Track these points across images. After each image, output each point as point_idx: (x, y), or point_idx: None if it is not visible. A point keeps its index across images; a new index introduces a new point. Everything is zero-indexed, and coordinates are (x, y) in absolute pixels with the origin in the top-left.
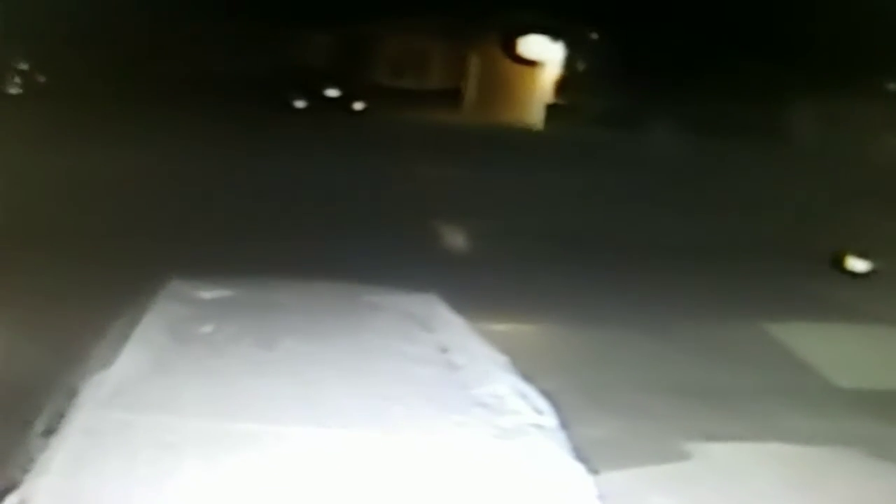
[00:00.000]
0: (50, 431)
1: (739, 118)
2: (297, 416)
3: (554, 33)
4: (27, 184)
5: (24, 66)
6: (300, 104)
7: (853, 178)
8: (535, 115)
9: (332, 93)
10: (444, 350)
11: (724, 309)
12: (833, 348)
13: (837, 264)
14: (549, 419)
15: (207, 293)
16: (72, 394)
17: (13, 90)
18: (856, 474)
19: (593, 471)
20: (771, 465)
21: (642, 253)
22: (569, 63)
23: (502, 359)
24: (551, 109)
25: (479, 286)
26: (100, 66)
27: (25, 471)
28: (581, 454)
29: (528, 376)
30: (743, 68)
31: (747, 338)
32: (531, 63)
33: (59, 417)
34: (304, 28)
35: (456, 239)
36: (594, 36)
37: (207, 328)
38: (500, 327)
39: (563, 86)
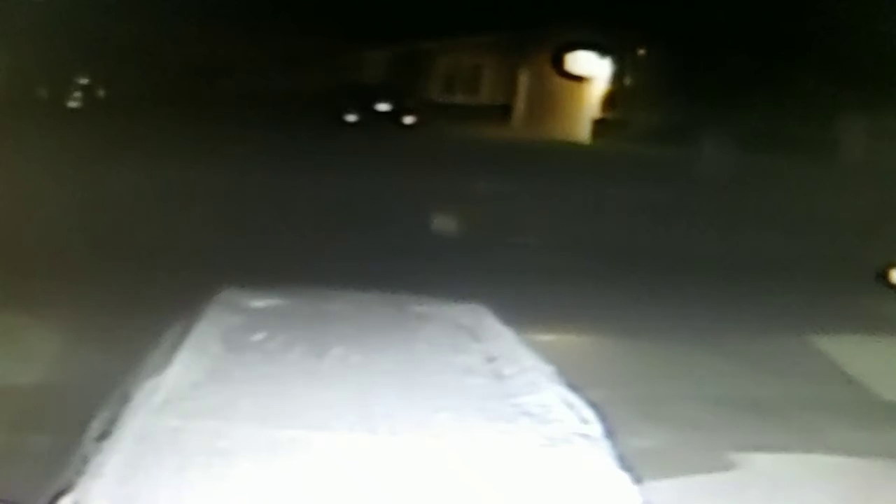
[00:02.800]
0: (104, 436)
1: (787, 133)
2: (346, 422)
3: (602, 49)
4: (85, 196)
5: (84, 81)
6: (352, 118)
7: None
8: (583, 131)
9: (384, 107)
10: (492, 360)
11: (770, 322)
12: (879, 361)
13: (884, 279)
14: (596, 429)
15: (259, 302)
16: (126, 399)
17: (73, 104)
18: None
19: (639, 480)
20: (817, 476)
21: (689, 266)
22: (617, 79)
23: (549, 369)
24: (599, 124)
25: (526, 297)
26: (158, 80)
27: (79, 474)
28: (627, 464)
29: (575, 386)
30: (790, 83)
31: (794, 350)
32: (580, 79)
33: (113, 422)
34: (356, 44)
35: (504, 251)
36: (642, 52)
37: (259, 336)
38: (547, 338)
39: (611, 101)
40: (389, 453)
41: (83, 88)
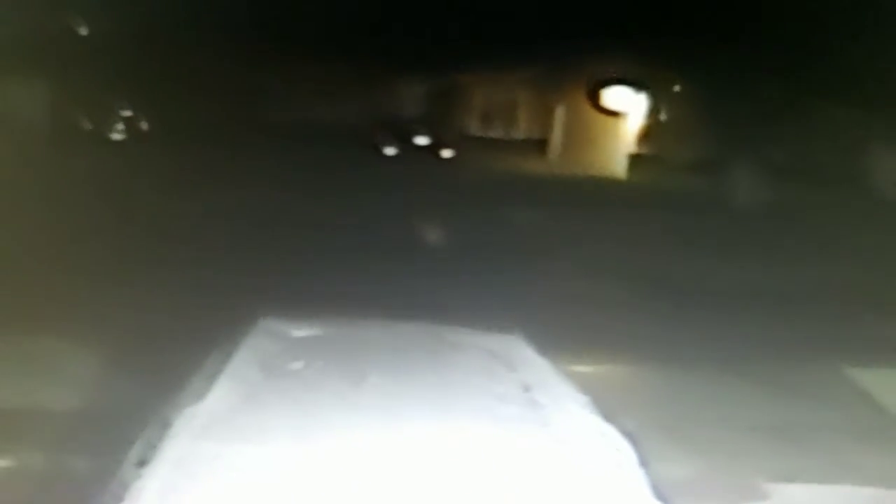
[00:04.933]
0: (144, 461)
1: (819, 165)
2: (381, 449)
3: (637, 85)
4: (127, 224)
5: (127, 113)
6: (390, 151)
7: None
8: (618, 164)
9: (422, 140)
10: (527, 389)
11: (802, 350)
12: None
13: None
14: (630, 458)
15: (298, 331)
16: (166, 425)
17: (117, 136)
18: None
19: None
20: None
21: (721, 295)
22: (652, 113)
23: (583, 398)
24: (635, 158)
25: (561, 327)
26: (199, 112)
27: (119, 499)
28: (660, 492)
29: (608, 415)
30: (820, 116)
31: (825, 379)
32: (615, 113)
33: (153, 448)
34: (395, 77)
35: (540, 281)
36: (676, 87)
37: (297, 364)
38: (581, 367)
39: (646, 135)
40: (424, 480)
41: (125, 120)
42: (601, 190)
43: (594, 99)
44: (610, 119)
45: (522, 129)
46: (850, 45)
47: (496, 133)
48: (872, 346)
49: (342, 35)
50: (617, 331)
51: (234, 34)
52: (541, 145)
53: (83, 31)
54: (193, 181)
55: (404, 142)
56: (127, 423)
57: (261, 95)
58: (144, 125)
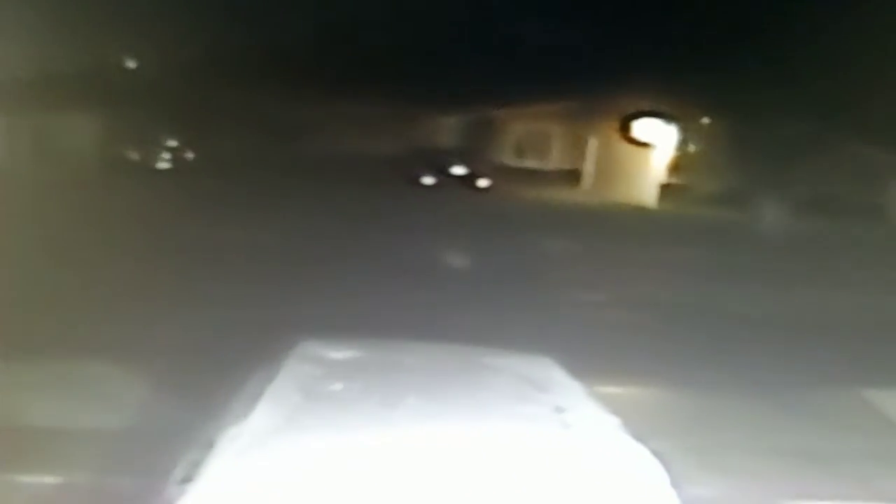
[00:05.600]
0: (187, 479)
1: (841, 198)
2: (418, 470)
3: (667, 118)
4: (172, 251)
5: (172, 144)
6: (428, 181)
7: None
8: (648, 194)
9: (459, 171)
10: (559, 410)
11: (826, 377)
12: None
13: None
14: (661, 477)
15: (336, 354)
16: (209, 445)
17: (162, 165)
18: None
19: None
20: None
21: (747, 323)
22: (681, 145)
23: (614, 420)
24: (664, 189)
25: (592, 351)
26: (243, 143)
27: None
28: None
29: (638, 437)
30: (842, 151)
31: (847, 404)
32: (645, 145)
33: (196, 466)
34: (433, 110)
35: (571, 307)
36: (705, 120)
37: (336, 386)
38: (611, 390)
39: (675, 167)
40: (458, 496)
41: (172, 150)
42: (631, 219)
43: (625, 131)
44: (640, 150)
45: (555, 160)
46: (872, 86)
47: (530, 164)
48: (892, 371)
49: (382, 71)
50: (645, 356)
51: (278, 70)
52: (573, 176)
53: (132, 66)
54: (237, 210)
55: (441, 172)
56: (171, 443)
57: (302, 129)
58: (190, 156)
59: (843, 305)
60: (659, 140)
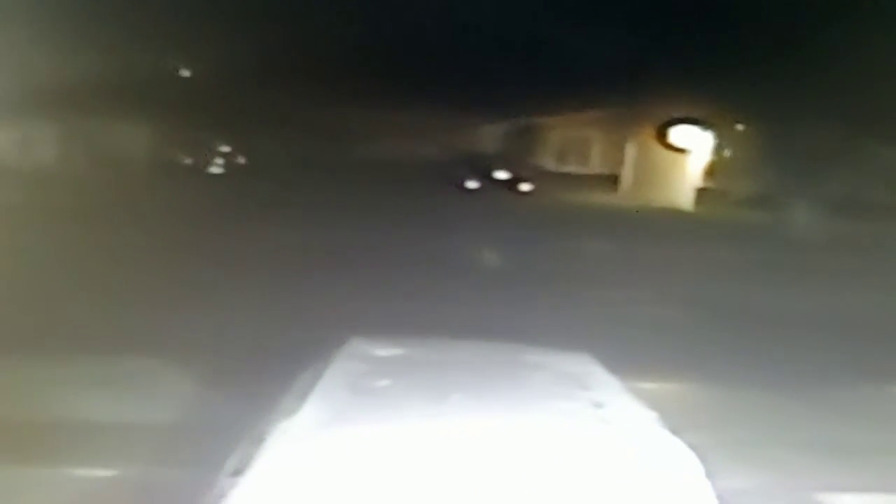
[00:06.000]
0: (239, 472)
1: (873, 201)
2: (463, 462)
3: (703, 124)
4: (223, 252)
5: (225, 149)
6: (472, 185)
7: None
8: (684, 198)
9: (502, 175)
10: (598, 406)
11: (855, 373)
12: None
13: None
14: (696, 469)
15: (383, 351)
16: (259, 439)
17: (216, 170)
18: None
19: None
20: None
21: (780, 321)
22: (716, 150)
23: (651, 414)
24: (700, 192)
25: (630, 348)
26: (293, 149)
27: None
28: (724, 502)
29: (675, 431)
30: (876, 155)
31: (876, 399)
32: (682, 150)
33: (247, 460)
34: (478, 118)
35: (611, 306)
36: (739, 126)
37: (383, 383)
38: (649, 386)
39: (710, 171)
40: (501, 487)
41: (223, 155)
42: (668, 222)
43: (662, 137)
44: (676, 156)
45: (595, 165)
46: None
47: (571, 169)
48: None
49: (429, 80)
50: (681, 353)
51: (328, 78)
52: (612, 180)
53: (185, 74)
54: (287, 212)
55: (485, 177)
56: (222, 437)
57: (350, 135)
58: (241, 160)
59: (872, 304)
60: (694, 146)
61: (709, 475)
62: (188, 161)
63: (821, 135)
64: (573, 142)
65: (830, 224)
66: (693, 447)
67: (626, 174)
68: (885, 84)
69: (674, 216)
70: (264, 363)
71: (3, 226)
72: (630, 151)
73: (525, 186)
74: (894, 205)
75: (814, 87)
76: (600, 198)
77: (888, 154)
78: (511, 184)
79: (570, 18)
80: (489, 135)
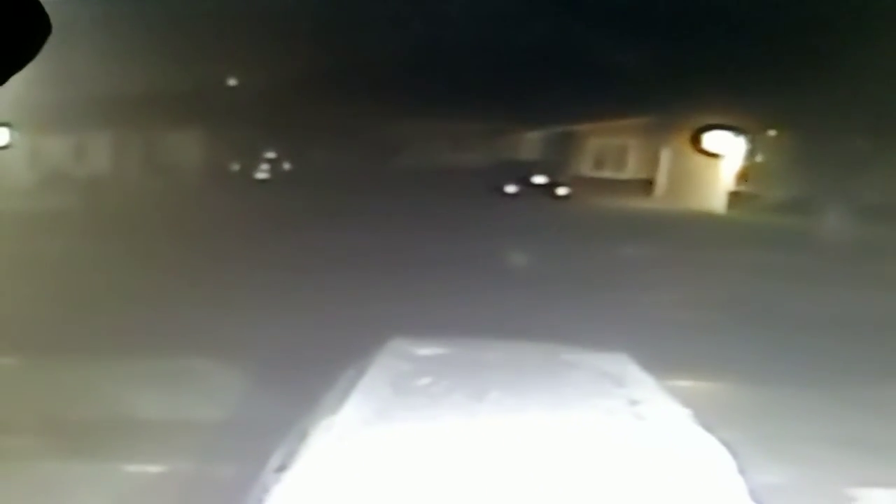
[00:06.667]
0: (283, 468)
1: None
2: (502, 459)
3: (735, 130)
4: (270, 255)
5: (272, 155)
6: (511, 189)
7: None
8: (718, 202)
9: (540, 180)
10: (634, 403)
11: (883, 372)
12: None
13: None
14: (729, 465)
15: (424, 351)
16: (304, 435)
17: (262, 176)
18: None
19: None
20: None
21: (810, 322)
22: (749, 156)
23: (685, 411)
24: (733, 197)
25: (665, 348)
26: (338, 155)
27: (260, 501)
28: (757, 496)
29: (708, 427)
30: None
31: None
32: (715, 156)
33: (291, 455)
34: (516, 126)
35: (646, 307)
36: (771, 132)
37: (424, 381)
38: (683, 384)
39: (743, 176)
40: (537, 481)
41: (270, 162)
42: (701, 225)
43: (696, 143)
44: (710, 161)
45: (630, 171)
46: None
47: (607, 174)
48: None
49: (470, 91)
50: (715, 352)
51: (372, 88)
52: (647, 185)
53: (233, 84)
54: (332, 217)
55: (523, 182)
56: (268, 434)
57: (393, 142)
58: (287, 166)
59: None
60: (727, 151)
61: (741, 470)
62: (236, 167)
63: (850, 142)
64: (609, 148)
65: (860, 228)
66: (726, 443)
67: (661, 179)
68: None
69: (707, 220)
70: (309, 362)
71: (61, 230)
72: (665, 157)
73: (562, 191)
74: None
75: (844, 95)
76: (635, 202)
77: None
78: (548, 188)
79: (606, 31)
80: (528, 142)
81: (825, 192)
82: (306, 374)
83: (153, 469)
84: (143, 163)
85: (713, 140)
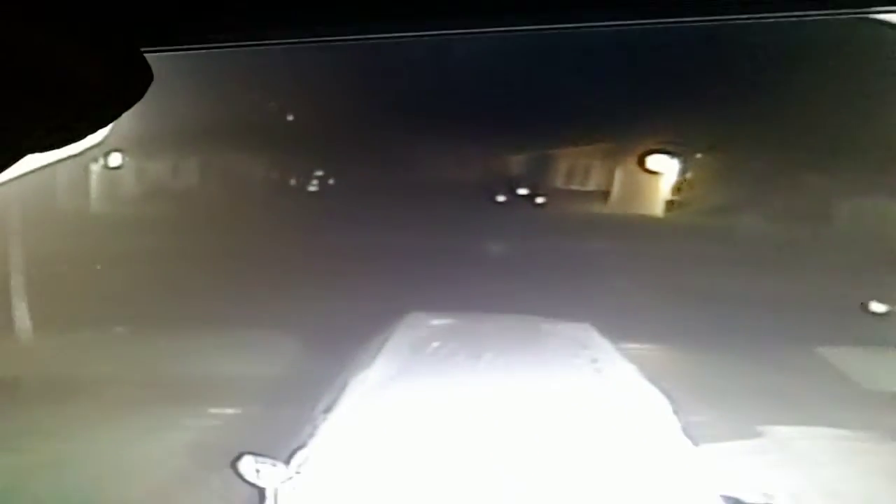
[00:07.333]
0: (328, 409)
1: (803, 211)
2: (496, 401)
3: (671, 153)
4: (317, 250)
5: (319, 173)
6: (501, 198)
7: None
8: (658, 208)
9: (523, 191)
10: (595, 361)
11: (791, 337)
12: None
13: None
14: (666, 407)
15: (436, 321)
16: (343, 386)
17: (312, 189)
18: None
19: (696, 443)
20: (832, 449)
21: (737, 299)
22: (681, 173)
23: (632, 367)
24: (669, 204)
25: (621, 320)
26: (369, 171)
27: (311, 436)
28: (686, 431)
29: (651, 380)
30: (804, 178)
31: (802, 357)
32: (656, 173)
33: (335, 401)
34: (506, 150)
35: (605, 289)
36: (699, 155)
37: (435, 345)
38: (634, 347)
39: (677, 189)
40: (522, 417)
41: (318, 178)
42: (647, 226)
43: (641, 163)
44: (652, 177)
45: (592, 184)
46: (824, 127)
47: (574, 186)
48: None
49: (471, 122)
50: (659, 324)
51: (396, 117)
52: (605, 195)
53: (290, 118)
54: (363, 219)
55: (510, 192)
56: (316, 385)
57: (413, 162)
58: (331, 181)
59: (805, 288)
60: (665, 170)
61: (675, 412)
62: (292, 182)
63: (761, 161)
64: (576, 167)
65: (770, 227)
66: (664, 391)
67: (615, 191)
68: (810, 124)
69: (651, 221)
70: (347, 330)
71: (159, 230)
72: (618, 174)
73: (540, 199)
74: (818, 214)
75: (757, 125)
76: (596, 208)
77: (812, 178)
78: (530, 198)
79: (576, 78)
80: (514, 162)
81: (741, 199)
82: (345, 340)
83: (229, 411)
84: (221, 178)
85: (654, 161)
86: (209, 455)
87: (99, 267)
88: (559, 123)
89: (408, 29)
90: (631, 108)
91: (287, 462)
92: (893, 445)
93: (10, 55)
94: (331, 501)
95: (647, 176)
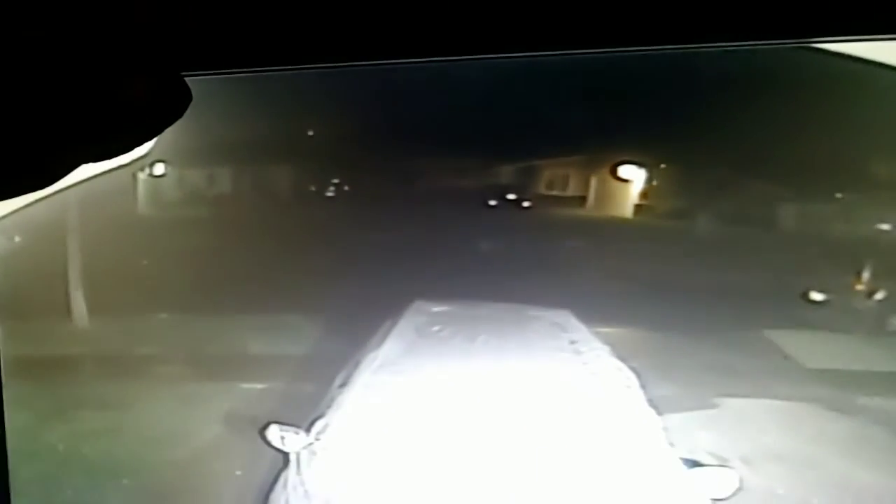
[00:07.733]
0: (343, 385)
1: (749, 212)
2: (486, 379)
3: (639, 164)
4: (334, 246)
5: (336, 181)
6: (493, 203)
7: None
8: (628, 211)
9: (511, 197)
10: (573, 343)
11: (742, 319)
12: None
13: None
14: (634, 383)
15: (437, 308)
16: (357, 364)
17: (330, 194)
18: None
19: (661, 413)
20: (777, 414)
21: (697, 286)
22: (647, 181)
23: (606, 347)
24: (637, 207)
25: (596, 306)
26: (379, 180)
27: (328, 407)
28: (652, 403)
29: (621, 358)
30: (750, 185)
31: (751, 339)
32: (626, 181)
33: (349, 377)
34: (498, 162)
35: (582, 279)
36: (662, 166)
37: (436, 328)
38: (607, 331)
39: (644, 194)
40: (508, 394)
41: (335, 185)
42: (618, 226)
43: (613, 172)
44: (623, 184)
45: (571, 190)
46: (767, 143)
47: (555, 192)
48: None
49: (469, 140)
50: (630, 310)
51: (400, 133)
52: (582, 200)
53: (311, 133)
54: (374, 221)
55: (500, 198)
56: (334, 363)
57: (417, 172)
58: (346, 188)
59: (749, 276)
60: (634, 178)
61: (643, 386)
62: (313, 188)
63: (716, 172)
64: (557, 176)
65: (723, 227)
66: (633, 368)
67: (591, 196)
68: (757, 140)
69: (622, 222)
70: (361, 316)
71: (197, 230)
72: (593, 181)
73: (526, 204)
74: (765, 217)
75: (712, 141)
76: (575, 212)
77: (759, 185)
78: (517, 202)
79: (557, 100)
80: (504, 172)
81: (699, 204)
82: (359, 324)
83: (259, 385)
84: (251, 185)
85: (625, 171)
86: (240, 424)
87: (145, 262)
88: (543, 140)
89: (411, 56)
90: (605, 126)
91: (308, 430)
92: (828, 414)
93: (71, 81)
94: (346, 463)
95: (618, 183)
